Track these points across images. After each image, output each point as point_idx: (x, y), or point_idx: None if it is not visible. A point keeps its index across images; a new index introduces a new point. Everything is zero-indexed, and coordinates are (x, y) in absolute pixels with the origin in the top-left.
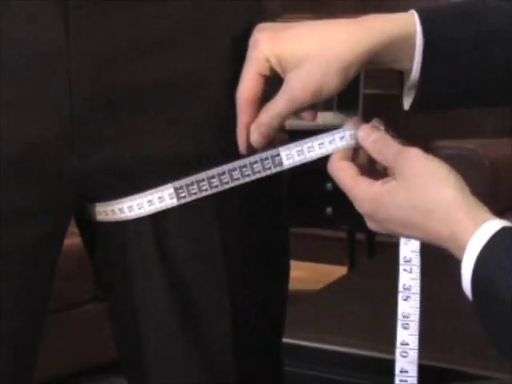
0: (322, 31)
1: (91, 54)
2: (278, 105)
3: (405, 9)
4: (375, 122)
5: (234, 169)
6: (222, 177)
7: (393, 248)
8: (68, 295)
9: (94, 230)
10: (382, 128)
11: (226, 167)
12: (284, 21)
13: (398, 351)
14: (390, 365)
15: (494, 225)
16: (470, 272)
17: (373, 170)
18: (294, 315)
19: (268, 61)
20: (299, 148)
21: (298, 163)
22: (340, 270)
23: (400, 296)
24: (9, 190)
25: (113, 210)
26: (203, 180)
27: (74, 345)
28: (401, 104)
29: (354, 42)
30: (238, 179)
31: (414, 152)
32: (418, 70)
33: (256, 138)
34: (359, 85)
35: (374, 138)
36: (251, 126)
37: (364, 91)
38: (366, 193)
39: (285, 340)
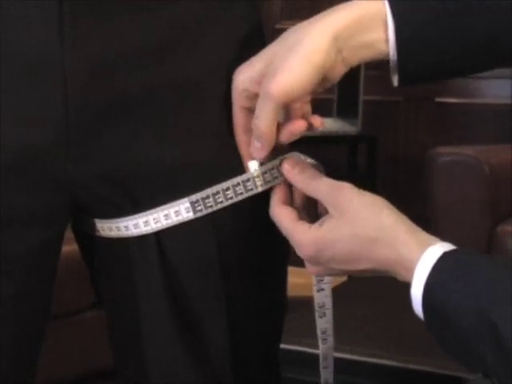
0: (287, 34)
1: (86, 61)
2: (260, 107)
3: None
4: (295, 154)
5: (248, 179)
6: (237, 188)
7: None
8: (66, 302)
9: (93, 243)
10: (307, 159)
11: (239, 178)
12: (283, 28)
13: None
14: (390, 370)
15: (437, 249)
16: (419, 297)
17: (310, 207)
18: (294, 321)
19: (245, 90)
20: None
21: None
22: (339, 277)
23: (320, 340)
24: (3, 197)
25: (123, 226)
26: (218, 192)
27: (72, 352)
28: (400, 110)
29: (316, 27)
30: (251, 189)
31: (346, 186)
32: (394, 42)
33: (257, 149)
34: (359, 91)
35: (298, 170)
36: (251, 141)
37: (363, 98)
38: (307, 236)
39: (284, 346)
